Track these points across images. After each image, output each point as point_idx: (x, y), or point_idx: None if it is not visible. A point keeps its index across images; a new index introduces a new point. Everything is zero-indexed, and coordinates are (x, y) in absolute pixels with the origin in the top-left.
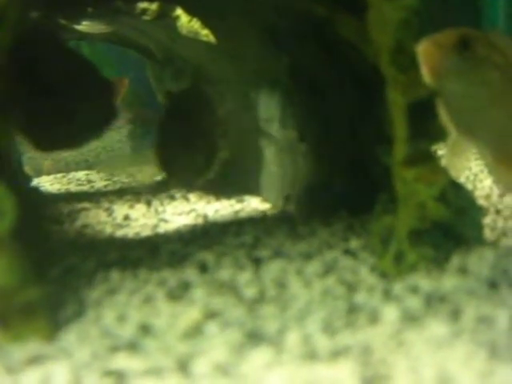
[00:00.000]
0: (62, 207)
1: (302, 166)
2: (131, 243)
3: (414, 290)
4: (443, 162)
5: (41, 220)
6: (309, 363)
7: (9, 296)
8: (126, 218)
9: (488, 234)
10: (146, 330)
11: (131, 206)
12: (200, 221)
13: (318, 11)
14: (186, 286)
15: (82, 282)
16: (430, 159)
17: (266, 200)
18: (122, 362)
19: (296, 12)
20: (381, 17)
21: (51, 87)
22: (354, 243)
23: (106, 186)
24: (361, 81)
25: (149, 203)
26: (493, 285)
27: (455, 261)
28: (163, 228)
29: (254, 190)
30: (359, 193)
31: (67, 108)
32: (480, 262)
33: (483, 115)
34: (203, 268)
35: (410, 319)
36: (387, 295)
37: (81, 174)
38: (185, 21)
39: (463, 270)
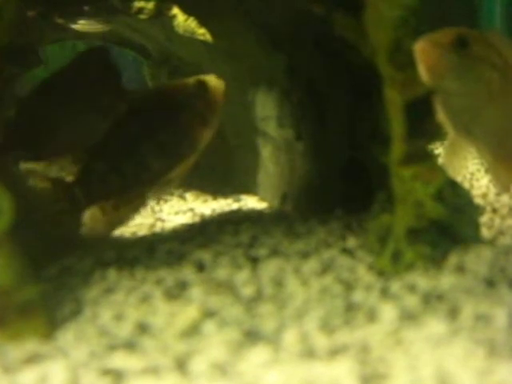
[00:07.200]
0: None
1: (299, 164)
2: (128, 242)
3: (412, 288)
4: (440, 161)
5: (37, 219)
6: (307, 361)
7: (6, 295)
8: None
9: (485, 232)
10: (143, 328)
11: None
12: (197, 220)
13: (315, 10)
14: (183, 285)
15: (78, 281)
16: (427, 158)
17: (263, 199)
18: (120, 360)
19: (294, 11)
20: (378, 15)
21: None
22: (352, 242)
23: None
24: (358, 79)
25: None
26: (490, 283)
27: (452, 259)
28: (159, 227)
29: (251, 189)
30: (356, 191)
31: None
32: (477, 260)
33: (481, 114)
34: (200, 267)
35: (408, 317)
36: (385, 294)
37: None
38: (181, 20)
39: (461, 269)
